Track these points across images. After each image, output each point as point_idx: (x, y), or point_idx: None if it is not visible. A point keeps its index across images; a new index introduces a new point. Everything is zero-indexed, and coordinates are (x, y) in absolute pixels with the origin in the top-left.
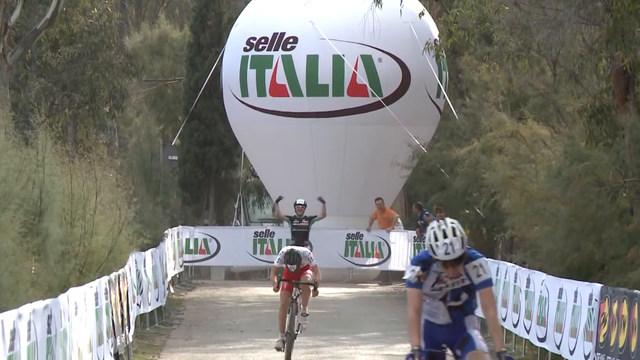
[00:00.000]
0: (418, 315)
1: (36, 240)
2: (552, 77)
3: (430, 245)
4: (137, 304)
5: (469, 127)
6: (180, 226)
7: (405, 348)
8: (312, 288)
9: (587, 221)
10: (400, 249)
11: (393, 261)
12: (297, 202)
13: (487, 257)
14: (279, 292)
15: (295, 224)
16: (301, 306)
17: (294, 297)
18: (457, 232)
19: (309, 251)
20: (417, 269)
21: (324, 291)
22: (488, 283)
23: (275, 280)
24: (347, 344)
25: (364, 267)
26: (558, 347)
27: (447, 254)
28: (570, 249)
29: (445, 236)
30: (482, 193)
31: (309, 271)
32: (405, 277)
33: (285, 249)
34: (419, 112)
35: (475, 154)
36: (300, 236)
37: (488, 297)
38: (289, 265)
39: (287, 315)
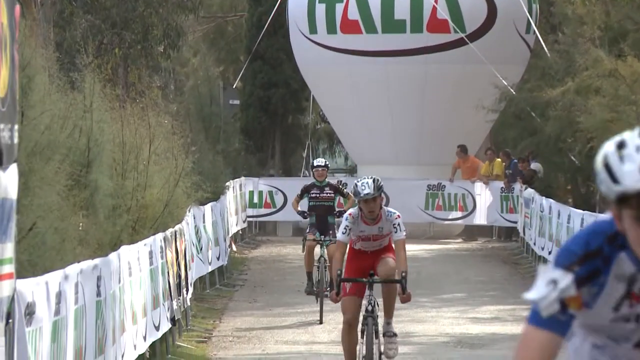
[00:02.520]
0: None
1: (84, 194)
2: None
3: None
4: (197, 263)
5: (562, 66)
6: (243, 177)
7: (492, 310)
8: (399, 290)
9: None
10: (487, 202)
11: (478, 215)
12: (315, 164)
13: (584, 209)
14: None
15: (313, 195)
16: (381, 317)
17: (371, 306)
18: None
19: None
20: (568, 280)
21: None
22: None
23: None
24: (428, 306)
25: (446, 222)
26: None
27: None
28: None
29: None
30: (577, 139)
31: (389, 256)
32: (530, 297)
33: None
34: (507, 49)
35: (569, 96)
36: (322, 211)
37: None
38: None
39: (362, 340)
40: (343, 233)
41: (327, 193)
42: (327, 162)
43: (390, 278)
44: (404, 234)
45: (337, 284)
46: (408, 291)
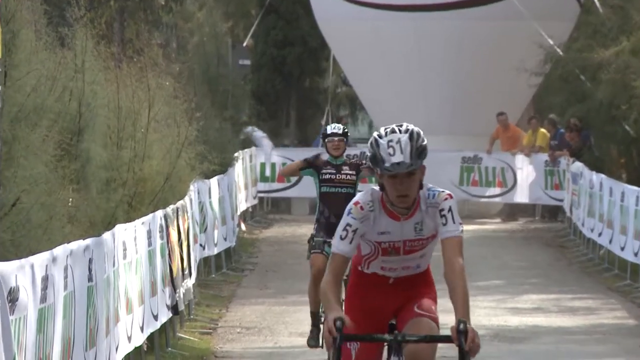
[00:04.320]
0: None
1: (74, 165)
2: None
3: None
4: (201, 245)
5: (616, 23)
6: (254, 147)
7: (534, 299)
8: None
9: None
10: (529, 177)
11: (519, 192)
12: (329, 131)
13: (639, 185)
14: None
15: (326, 176)
16: None
17: None
18: None
19: None
20: None
21: None
22: None
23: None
24: None
25: (483, 199)
26: None
27: None
28: None
29: None
30: (632, 106)
31: (424, 301)
32: None
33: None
34: (553, 4)
35: (624, 56)
36: (339, 203)
37: None
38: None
39: None
40: (342, 238)
41: (345, 175)
42: (347, 129)
43: (431, 334)
44: (461, 228)
45: (333, 343)
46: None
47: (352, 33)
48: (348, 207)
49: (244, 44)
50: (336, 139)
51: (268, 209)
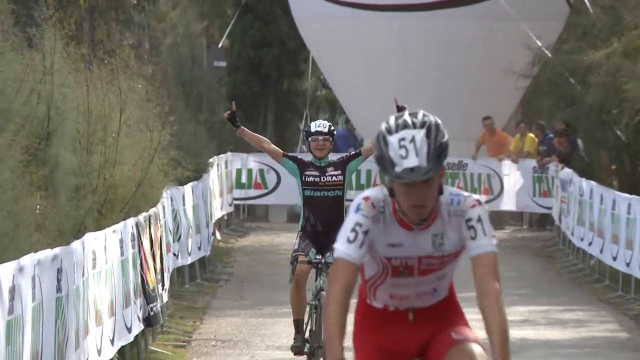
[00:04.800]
0: None
1: (42, 171)
2: None
3: None
4: (174, 254)
5: (606, 24)
6: (229, 153)
7: (522, 311)
8: None
9: None
10: (516, 184)
11: (506, 199)
12: (313, 129)
13: (631, 193)
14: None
15: (309, 178)
16: None
17: None
18: None
19: None
20: None
21: None
22: None
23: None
24: None
25: None
26: None
27: None
28: None
29: None
30: (623, 110)
31: (462, 332)
32: None
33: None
34: (541, 4)
35: (615, 59)
36: (325, 208)
37: None
38: None
39: None
40: (350, 241)
41: (331, 176)
42: (333, 127)
43: None
44: (494, 242)
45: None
46: None
47: (332, 34)
48: (356, 203)
49: (220, 45)
50: (321, 138)
51: (244, 216)
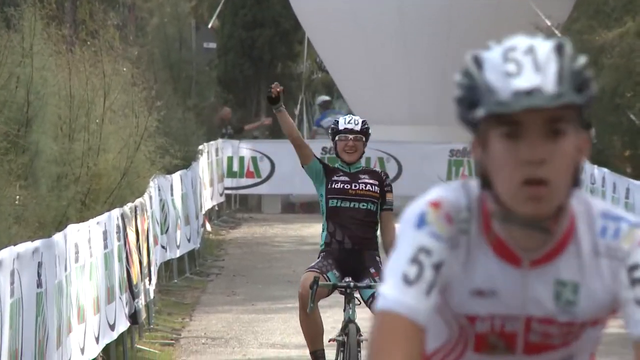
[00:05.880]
0: None
1: (22, 159)
2: None
3: None
4: (162, 247)
5: (619, 2)
6: (220, 140)
7: None
8: None
9: None
10: None
11: None
12: (342, 126)
13: None
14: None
15: (337, 186)
16: None
17: None
18: None
19: None
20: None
21: None
22: None
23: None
24: None
25: None
26: None
27: None
28: None
29: None
30: (638, 93)
31: None
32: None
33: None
34: None
35: (629, 39)
36: (355, 223)
37: None
38: None
39: None
40: (410, 280)
41: (365, 184)
42: (367, 124)
43: None
44: None
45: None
46: None
47: (329, 13)
48: (415, 211)
49: (209, 26)
50: (351, 137)
51: (236, 207)
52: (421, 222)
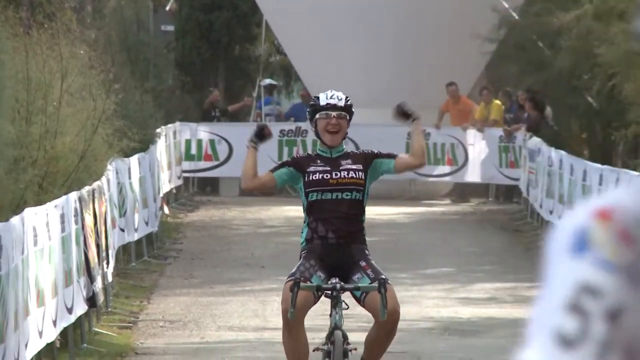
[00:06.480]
0: None
1: None
2: None
3: None
4: (121, 230)
5: None
6: (177, 123)
7: (487, 288)
8: None
9: None
10: (481, 154)
11: (471, 170)
12: (325, 102)
13: (603, 164)
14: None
15: (316, 177)
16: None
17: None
18: None
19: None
20: None
21: (376, 212)
22: None
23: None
24: (408, 283)
25: (431, 179)
26: None
27: None
28: None
29: None
30: (595, 75)
31: None
32: None
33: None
34: None
35: (586, 21)
36: (340, 216)
37: None
38: None
39: None
40: (570, 343)
41: (347, 171)
42: (349, 100)
43: None
44: None
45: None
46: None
47: None
48: (572, 228)
49: (167, 8)
50: (334, 114)
51: (194, 190)
52: (582, 244)
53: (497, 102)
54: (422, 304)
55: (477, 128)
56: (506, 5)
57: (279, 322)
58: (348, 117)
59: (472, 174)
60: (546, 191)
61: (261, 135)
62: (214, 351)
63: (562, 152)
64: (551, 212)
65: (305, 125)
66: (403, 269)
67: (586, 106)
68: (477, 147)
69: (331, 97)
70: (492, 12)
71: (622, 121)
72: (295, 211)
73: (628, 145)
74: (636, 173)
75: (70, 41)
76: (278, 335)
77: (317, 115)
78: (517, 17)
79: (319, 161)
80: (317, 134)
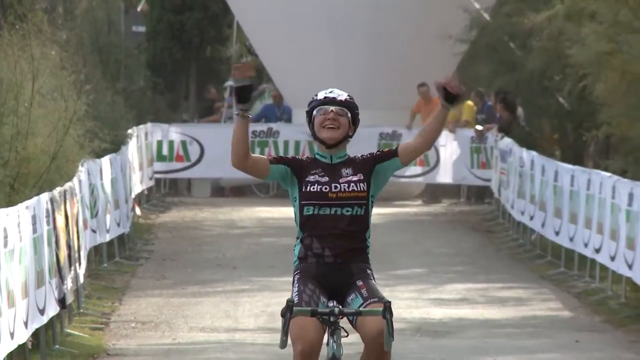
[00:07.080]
0: None
1: None
2: None
3: None
4: (92, 231)
5: None
6: (149, 124)
7: (459, 289)
8: None
9: None
10: (453, 155)
11: (442, 171)
12: (323, 97)
13: (575, 164)
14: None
15: (313, 188)
16: None
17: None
18: None
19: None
20: None
21: None
22: None
23: None
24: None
25: (402, 180)
26: None
27: None
28: None
29: None
30: (566, 76)
31: None
32: None
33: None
34: None
35: (558, 22)
36: (337, 233)
37: None
38: None
39: None
40: None
41: (349, 184)
42: (351, 97)
43: None
44: None
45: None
46: None
47: None
48: None
49: (138, 9)
50: (332, 108)
51: (165, 191)
52: None
53: (469, 102)
54: (394, 305)
55: (448, 129)
56: (477, 6)
57: (250, 323)
58: (350, 116)
59: (444, 175)
60: (518, 192)
61: (245, 96)
62: (185, 352)
63: (534, 152)
64: (522, 213)
65: (277, 126)
66: (375, 269)
67: (557, 107)
68: (449, 148)
69: (330, 92)
70: (464, 12)
71: (593, 122)
72: (267, 212)
73: (599, 145)
74: (607, 174)
75: (41, 42)
76: (250, 336)
77: (314, 112)
78: (488, 18)
79: (317, 170)
80: (314, 135)
